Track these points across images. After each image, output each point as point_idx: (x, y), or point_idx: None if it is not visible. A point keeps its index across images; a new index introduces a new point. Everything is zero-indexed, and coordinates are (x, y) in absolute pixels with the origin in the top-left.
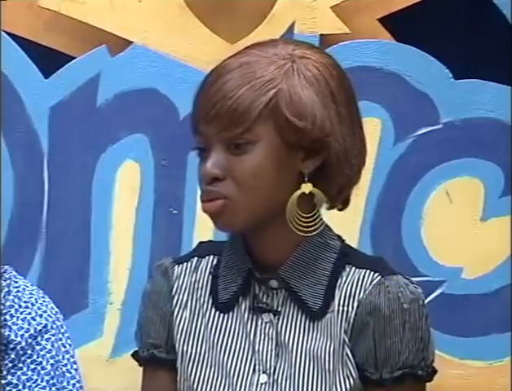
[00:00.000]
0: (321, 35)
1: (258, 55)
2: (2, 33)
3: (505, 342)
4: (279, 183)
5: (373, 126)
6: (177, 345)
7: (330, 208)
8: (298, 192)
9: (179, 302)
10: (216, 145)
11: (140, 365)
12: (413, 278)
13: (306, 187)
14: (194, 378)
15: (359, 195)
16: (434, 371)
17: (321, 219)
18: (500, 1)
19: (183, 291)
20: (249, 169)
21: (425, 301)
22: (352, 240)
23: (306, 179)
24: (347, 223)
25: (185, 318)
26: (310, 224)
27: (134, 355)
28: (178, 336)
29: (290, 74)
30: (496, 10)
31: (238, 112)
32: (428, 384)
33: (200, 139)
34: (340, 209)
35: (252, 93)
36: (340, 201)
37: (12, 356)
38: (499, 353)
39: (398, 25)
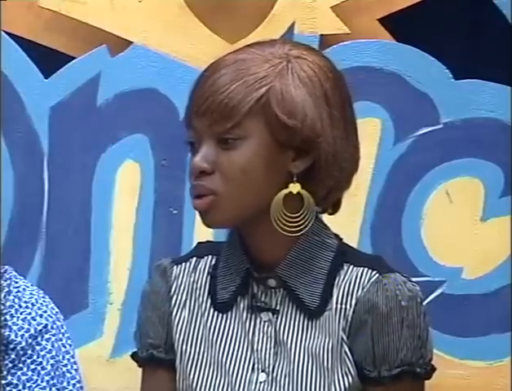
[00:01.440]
0: (321, 35)
1: (254, 53)
2: (2, 33)
3: (505, 342)
4: (267, 181)
5: (373, 126)
6: (176, 345)
7: (321, 212)
8: (284, 191)
9: (178, 302)
10: (207, 139)
11: (139, 366)
12: (413, 279)
13: (294, 187)
14: (193, 377)
15: (359, 195)
16: (433, 369)
17: (309, 220)
18: (500, 1)
19: (181, 291)
20: (238, 164)
21: (426, 301)
22: (352, 240)
23: (295, 179)
24: (347, 223)
25: (184, 318)
26: (295, 224)
27: (134, 356)
28: (177, 335)
29: (284, 73)
30: (496, 11)
31: (229, 106)
32: (428, 383)
33: (191, 133)
34: (330, 214)
35: (244, 88)
36: (329, 204)
37: (12, 356)
38: (499, 353)
39: (398, 25)
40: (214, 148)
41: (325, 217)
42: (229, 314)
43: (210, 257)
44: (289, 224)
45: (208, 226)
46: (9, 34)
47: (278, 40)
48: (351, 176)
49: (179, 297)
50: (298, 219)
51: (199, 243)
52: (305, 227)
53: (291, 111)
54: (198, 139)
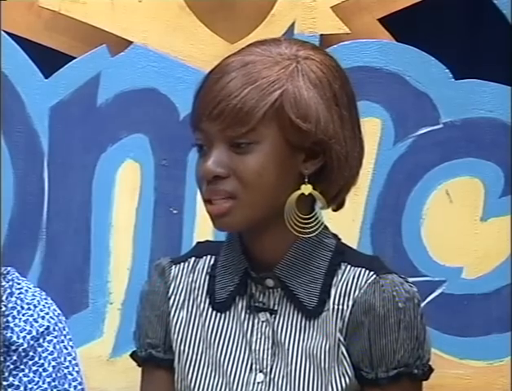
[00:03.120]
0: (321, 35)
1: (262, 55)
2: (2, 33)
3: (505, 342)
4: (280, 183)
5: (373, 126)
6: (174, 345)
7: (323, 208)
8: (297, 193)
9: (176, 302)
10: (218, 143)
11: (139, 365)
12: (413, 279)
13: (306, 189)
14: (191, 377)
15: (359, 195)
16: (431, 370)
17: (320, 221)
18: (500, 1)
19: (179, 291)
20: (253, 168)
21: (426, 301)
22: (352, 240)
23: (306, 180)
24: (347, 223)
25: (182, 317)
26: (308, 225)
27: (133, 355)
28: (176, 335)
29: (295, 75)
30: (496, 11)
31: (243, 111)
32: (428, 383)
33: (200, 136)
34: (335, 210)
35: (257, 93)
36: (337, 202)
37: (14, 358)
38: (499, 353)
39: (398, 25)
40: (227, 152)
41: (326, 217)
42: (227, 313)
43: (209, 256)
44: (301, 225)
45: (221, 229)
46: (9, 34)
47: (282, 39)
48: (358, 173)
49: (178, 297)
50: (311, 220)
51: (198, 242)
52: (318, 228)
53: (305, 114)
54: (208, 143)
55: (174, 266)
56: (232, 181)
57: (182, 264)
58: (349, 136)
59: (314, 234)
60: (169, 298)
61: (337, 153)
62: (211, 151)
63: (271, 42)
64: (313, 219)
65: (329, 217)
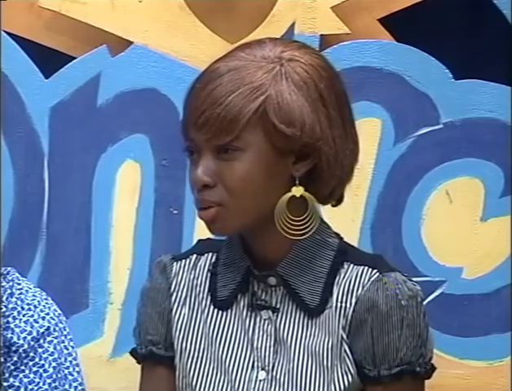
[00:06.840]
0: (321, 35)
1: (246, 59)
2: (2, 33)
3: (505, 342)
4: (270, 187)
5: (373, 126)
6: (175, 342)
7: (323, 203)
8: (288, 195)
9: (178, 299)
10: (206, 151)
11: (138, 362)
12: (413, 279)
13: (297, 191)
14: (193, 375)
15: (359, 195)
16: (433, 368)
17: (314, 222)
18: (500, 1)
19: (181, 288)
20: (239, 174)
21: (426, 301)
22: (352, 240)
23: (297, 182)
24: (347, 223)
25: (184, 315)
26: (300, 227)
27: (133, 352)
28: (177, 333)
29: (278, 79)
30: (496, 11)
31: (227, 119)
32: (428, 383)
33: (190, 144)
34: (334, 205)
35: (240, 100)
36: (333, 200)
37: (15, 358)
38: (499, 353)
39: (398, 25)
40: (214, 160)
41: (326, 217)
42: (229, 311)
43: (211, 254)
44: (293, 227)
45: (215, 234)
46: (9, 34)
47: (268, 40)
48: (353, 169)
49: (179, 294)
50: (303, 222)
51: (199, 240)
52: (310, 230)
53: (289, 119)
54: (197, 150)
55: (175, 263)
56: (219, 189)
57: (183, 261)
58: (338, 135)
59: (307, 235)
60: (171, 295)
61: (326, 154)
62: (200, 159)
63: (256, 45)
64: (306, 221)
65: (329, 217)
